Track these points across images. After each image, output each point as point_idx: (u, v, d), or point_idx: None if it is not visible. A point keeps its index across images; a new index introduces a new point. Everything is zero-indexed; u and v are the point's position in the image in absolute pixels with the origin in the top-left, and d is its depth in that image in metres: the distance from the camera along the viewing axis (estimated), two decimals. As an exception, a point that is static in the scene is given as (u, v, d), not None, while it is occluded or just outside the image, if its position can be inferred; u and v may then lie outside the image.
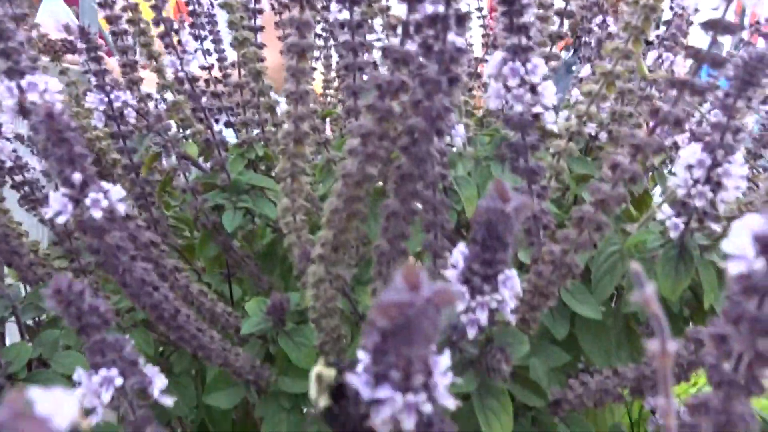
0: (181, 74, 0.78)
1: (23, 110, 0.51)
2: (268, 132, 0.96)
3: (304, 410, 0.75)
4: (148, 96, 0.94)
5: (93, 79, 0.77)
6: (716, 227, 0.60)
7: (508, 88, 0.51)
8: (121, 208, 0.49)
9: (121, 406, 0.41)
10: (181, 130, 0.95)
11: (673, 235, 0.60)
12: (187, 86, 0.79)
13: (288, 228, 0.70)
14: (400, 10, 0.44)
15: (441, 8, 0.40)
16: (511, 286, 0.45)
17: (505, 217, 0.37)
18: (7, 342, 0.86)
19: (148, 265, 0.54)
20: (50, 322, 0.81)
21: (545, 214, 0.57)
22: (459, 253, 0.46)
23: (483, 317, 0.46)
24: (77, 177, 0.46)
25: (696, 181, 0.55)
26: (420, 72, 0.44)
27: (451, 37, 0.41)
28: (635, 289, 0.25)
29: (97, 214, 0.47)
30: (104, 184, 0.49)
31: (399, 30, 0.44)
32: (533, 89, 0.51)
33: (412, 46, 0.45)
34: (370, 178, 0.50)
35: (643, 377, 0.53)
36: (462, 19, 0.41)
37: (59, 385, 0.60)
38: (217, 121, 0.82)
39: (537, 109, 0.52)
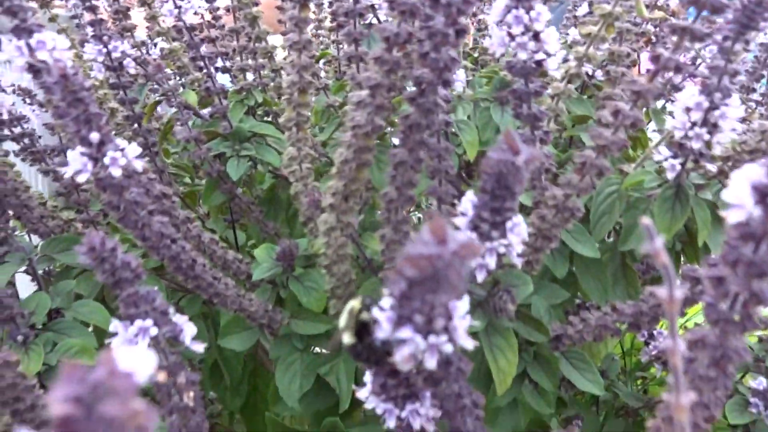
0: (179, 23, 0.77)
1: (33, 69, 0.51)
2: (266, 77, 0.96)
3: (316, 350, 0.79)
4: (142, 43, 0.94)
5: (90, 30, 0.77)
6: (711, 167, 0.63)
7: (511, 36, 0.52)
8: (138, 165, 0.50)
9: (156, 354, 0.44)
10: (178, 78, 0.95)
11: (669, 176, 0.62)
12: (186, 35, 0.79)
13: (294, 176, 0.72)
14: (407, -38, 0.44)
15: (449, -39, 0.41)
16: (518, 232, 0.47)
17: (515, 169, 0.38)
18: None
19: (164, 218, 0.56)
20: (61, 272, 0.83)
21: (547, 157, 0.59)
22: (468, 201, 0.48)
23: (492, 262, 0.49)
24: (95, 136, 0.47)
25: (693, 124, 0.57)
26: (427, 24, 0.44)
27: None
28: (645, 240, 0.27)
29: (117, 172, 0.48)
30: (120, 142, 0.50)
31: (406, -18, 0.45)
32: (536, 36, 0.52)
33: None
34: (379, 129, 0.51)
35: (640, 313, 0.56)
36: (470, -28, 0.41)
37: (79, 333, 0.62)
38: (217, 69, 0.82)
39: (540, 56, 0.53)
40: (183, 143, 0.93)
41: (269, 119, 0.99)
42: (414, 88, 0.49)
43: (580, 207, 0.55)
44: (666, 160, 0.62)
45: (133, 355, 0.20)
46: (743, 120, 0.66)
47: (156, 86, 0.88)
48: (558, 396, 0.81)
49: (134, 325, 0.42)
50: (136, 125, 0.82)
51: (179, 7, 0.76)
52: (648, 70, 0.64)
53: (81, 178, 0.48)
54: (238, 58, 0.91)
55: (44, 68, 0.50)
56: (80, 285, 0.83)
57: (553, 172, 0.61)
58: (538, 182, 0.61)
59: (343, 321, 0.43)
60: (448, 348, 0.37)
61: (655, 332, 0.93)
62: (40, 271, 0.78)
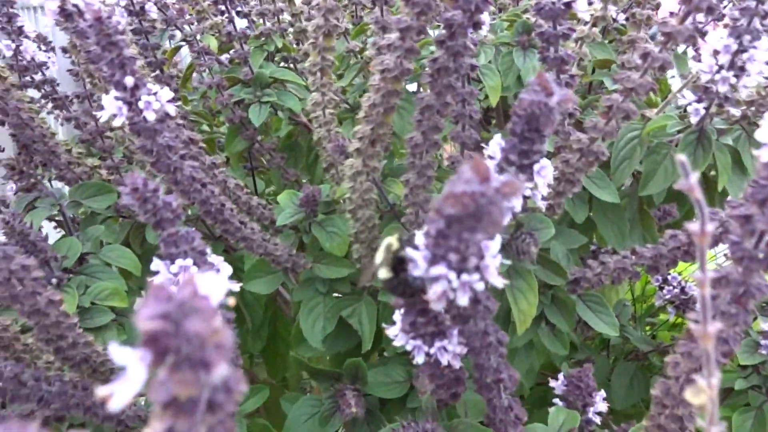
0: (200, -32, 0.77)
1: (65, 13, 0.52)
2: (284, 22, 0.95)
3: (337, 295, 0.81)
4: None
5: (110, -26, 0.76)
6: (735, 111, 0.63)
7: (541, -22, 0.52)
8: (171, 109, 0.51)
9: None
10: (198, 23, 0.94)
11: (693, 120, 0.63)
12: (207, -20, 0.78)
13: (318, 122, 0.72)
14: None
15: None
16: (545, 174, 0.48)
17: (548, 110, 0.39)
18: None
19: (195, 163, 0.57)
20: (87, 219, 0.85)
21: (572, 102, 0.59)
22: (496, 144, 0.49)
23: (518, 204, 0.50)
24: (129, 80, 0.48)
25: (720, 67, 0.57)
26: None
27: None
28: (680, 177, 0.28)
29: (151, 116, 0.49)
30: (152, 86, 0.51)
31: None
32: (566, -22, 0.52)
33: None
34: (408, 72, 0.52)
35: (660, 256, 0.58)
36: None
37: (108, 276, 0.64)
38: (238, 13, 0.81)
39: (569, -2, 0.53)
40: (202, 90, 0.94)
41: (288, 65, 0.99)
42: (443, 31, 0.49)
43: (604, 151, 0.56)
44: (690, 104, 0.62)
45: (209, 280, 0.21)
46: None
47: (175, 32, 0.88)
48: (569, 341, 0.83)
49: (175, 263, 0.43)
50: (158, 71, 0.82)
51: (200, -50, 0.75)
52: (672, 13, 0.64)
53: (116, 122, 0.49)
54: (257, 2, 0.91)
55: (76, 12, 0.50)
56: (107, 231, 0.85)
57: (575, 117, 0.62)
58: (561, 127, 0.61)
59: (380, 256, 0.44)
60: (480, 286, 0.38)
61: (669, 277, 0.94)
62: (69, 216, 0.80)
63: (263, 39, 0.91)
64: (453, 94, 0.54)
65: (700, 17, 0.51)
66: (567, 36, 0.55)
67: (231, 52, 0.84)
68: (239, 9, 0.95)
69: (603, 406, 0.65)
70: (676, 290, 0.91)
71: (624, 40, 0.76)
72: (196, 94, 1.06)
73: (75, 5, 0.50)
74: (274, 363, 1.11)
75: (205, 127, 1.07)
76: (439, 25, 0.51)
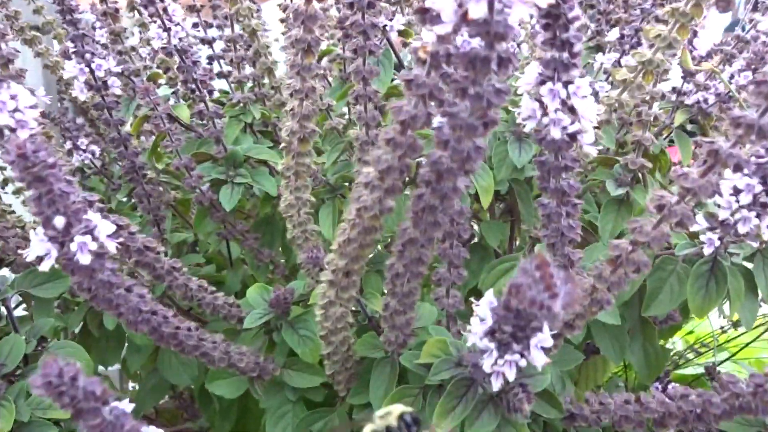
0: (169, 46, 0.70)
1: (-7, 132, 0.45)
2: (265, 87, 0.89)
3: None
4: (132, 49, 0.86)
5: (71, 45, 0.69)
6: (754, 244, 0.56)
7: (544, 109, 0.45)
8: (111, 247, 0.44)
9: None
10: (170, 88, 0.87)
11: (707, 251, 0.56)
12: (177, 59, 0.71)
13: (292, 222, 0.65)
14: (428, 38, 0.37)
15: (481, 49, 0.34)
16: (543, 347, 0.42)
17: (549, 314, 0.32)
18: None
19: (142, 291, 0.50)
20: (39, 306, 0.78)
21: (572, 230, 0.53)
22: (486, 306, 0.42)
23: (511, 375, 0.43)
24: (60, 221, 0.41)
25: (742, 206, 0.50)
26: (450, 111, 0.38)
27: (491, 81, 0.35)
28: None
29: (86, 259, 0.42)
30: (91, 217, 0.44)
31: (426, 61, 0.38)
32: (572, 110, 0.45)
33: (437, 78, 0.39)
34: (388, 211, 0.45)
35: (668, 414, 0.51)
36: (505, 63, 0.34)
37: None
38: (210, 92, 0.74)
39: (575, 128, 0.47)
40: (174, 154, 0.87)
41: (268, 129, 0.92)
42: (429, 171, 0.42)
43: (610, 300, 0.49)
44: (704, 233, 0.56)
45: None
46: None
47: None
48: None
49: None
50: (122, 148, 0.75)
51: (168, 30, 0.69)
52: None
53: (44, 266, 0.42)
54: (236, 71, 0.84)
55: (6, 136, 0.43)
56: (59, 319, 0.78)
57: (577, 242, 0.55)
58: (561, 253, 0.55)
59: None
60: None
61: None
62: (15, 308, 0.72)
63: (240, 107, 0.85)
64: (440, 229, 0.47)
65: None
66: (570, 168, 0.48)
67: (203, 129, 0.78)
68: (219, 71, 0.88)
69: None
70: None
71: (630, 140, 0.70)
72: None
73: (6, 125, 0.43)
74: (244, 441, 1.04)
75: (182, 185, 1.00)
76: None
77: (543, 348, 0.42)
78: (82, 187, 1.03)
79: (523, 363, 0.42)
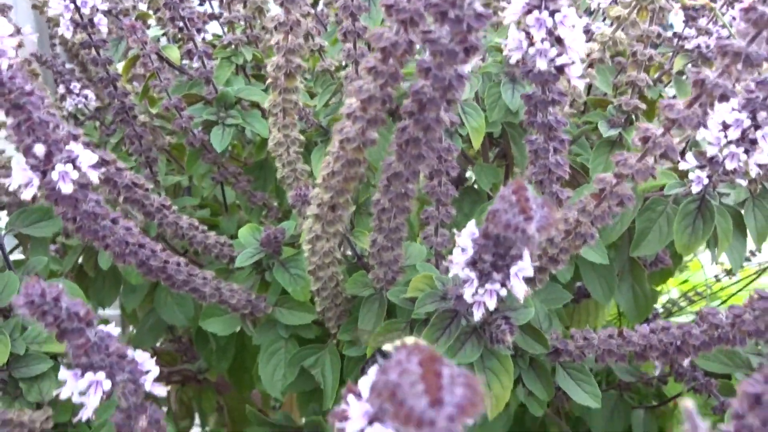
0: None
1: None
2: (256, 28, 0.87)
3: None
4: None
5: (55, -21, 0.68)
6: (742, 182, 0.56)
7: (531, 40, 0.45)
8: (94, 177, 0.44)
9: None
10: (160, 29, 0.86)
11: (695, 189, 0.56)
12: (163, -5, 0.70)
13: (281, 161, 0.65)
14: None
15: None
16: (523, 276, 0.42)
17: (525, 237, 0.33)
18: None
19: (129, 223, 0.50)
20: (34, 245, 0.78)
21: (560, 166, 0.52)
22: (468, 237, 0.43)
23: (491, 304, 0.44)
24: (40, 150, 0.41)
25: (730, 142, 0.50)
26: (430, 37, 0.37)
27: (472, 4, 0.35)
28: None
29: (67, 188, 0.42)
30: (73, 147, 0.44)
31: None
32: (559, 41, 0.44)
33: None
34: (371, 143, 0.45)
35: (649, 347, 0.52)
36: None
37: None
38: (199, 30, 0.73)
39: (562, 60, 0.46)
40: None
41: (262, 74, 0.91)
42: (411, 102, 0.42)
43: (594, 234, 0.49)
44: (692, 170, 0.56)
45: None
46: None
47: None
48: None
49: (84, 378, 0.37)
50: (111, 88, 0.75)
51: (154, -37, 0.67)
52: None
53: (27, 194, 0.42)
54: (226, 12, 0.82)
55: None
56: (54, 259, 0.79)
57: (565, 179, 0.55)
58: (549, 190, 0.55)
59: None
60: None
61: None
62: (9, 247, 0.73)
63: (232, 49, 0.83)
64: (424, 162, 0.47)
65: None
66: (557, 102, 0.48)
67: (193, 69, 0.77)
68: (211, 12, 0.87)
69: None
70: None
71: (624, 81, 0.69)
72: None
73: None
74: (242, 379, 1.06)
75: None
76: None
77: (524, 278, 0.42)
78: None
79: (503, 292, 0.43)
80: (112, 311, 1.02)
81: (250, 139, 0.95)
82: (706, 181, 0.55)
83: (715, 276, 1.38)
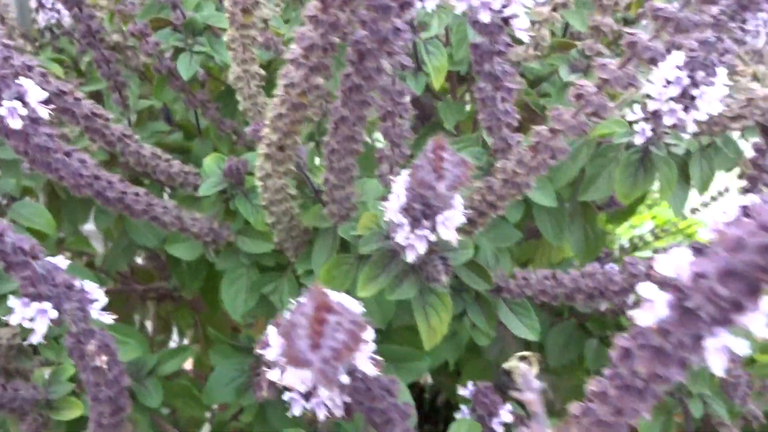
0: None
1: None
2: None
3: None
4: None
5: None
6: (686, 135, 0.58)
7: (475, -10, 0.45)
8: (44, 113, 0.45)
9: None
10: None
11: (638, 140, 0.58)
12: None
13: (242, 95, 0.66)
14: None
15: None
16: (450, 225, 0.44)
17: (435, 194, 0.35)
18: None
19: (83, 155, 0.52)
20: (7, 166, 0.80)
21: (508, 114, 0.54)
22: (402, 185, 0.45)
23: (421, 247, 0.46)
24: (-14, 85, 0.42)
25: (671, 98, 0.51)
26: (367, -11, 0.38)
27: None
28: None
29: (16, 123, 0.43)
30: (23, 82, 0.45)
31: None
32: (504, -8, 0.45)
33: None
34: (315, 88, 0.46)
35: (577, 289, 0.55)
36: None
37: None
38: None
39: (508, 12, 0.46)
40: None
41: None
42: (352, 52, 0.43)
43: (529, 183, 0.51)
44: (637, 122, 0.57)
45: None
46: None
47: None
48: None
49: (31, 307, 0.40)
50: (76, 10, 0.74)
51: None
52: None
53: (-21, 128, 0.44)
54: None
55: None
56: (27, 178, 0.80)
57: (515, 126, 0.56)
58: (498, 136, 0.56)
59: None
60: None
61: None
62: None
63: (202, -29, 0.82)
64: (380, 91, 0.48)
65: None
66: (503, 53, 0.48)
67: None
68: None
69: (507, 417, 0.65)
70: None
71: (590, 25, 0.69)
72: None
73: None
74: (214, 299, 1.10)
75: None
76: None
77: (458, 223, 0.44)
78: (51, 48, 1.01)
79: (432, 238, 0.45)
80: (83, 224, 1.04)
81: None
82: (649, 133, 0.57)
83: (692, 209, 1.42)
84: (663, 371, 0.31)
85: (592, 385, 0.36)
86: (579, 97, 0.44)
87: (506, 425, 0.65)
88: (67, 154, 0.50)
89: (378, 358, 0.38)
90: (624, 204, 0.61)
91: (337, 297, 0.37)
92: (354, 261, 0.61)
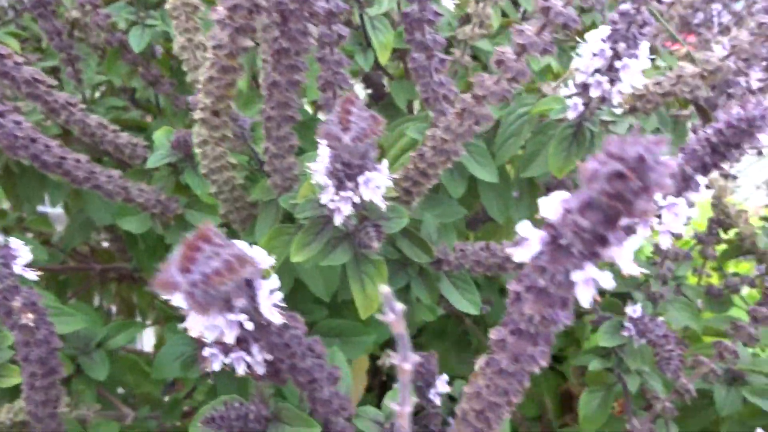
0: None
1: None
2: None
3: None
4: None
5: None
6: (617, 110, 0.59)
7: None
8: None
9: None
10: None
11: (570, 115, 0.59)
12: None
13: (188, 66, 0.67)
14: None
15: None
16: (373, 186, 0.45)
17: (343, 147, 0.36)
18: None
19: (19, 118, 0.52)
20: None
21: (443, 86, 0.55)
22: (325, 146, 0.45)
23: (346, 209, 0.47)
24: None
25: (596, 70, 0.53)
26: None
27: None
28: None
29: (-59, 78, 0.44)
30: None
31: None
32: (430, -41, 0.46)
33: None
34: (242, 50, 0.47)
35: (507, 259, 0.56)
36: None
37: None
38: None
39: (435, -20, 0.47)
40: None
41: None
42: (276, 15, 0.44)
43: (458, 151, 0.52)
44: (570, 97, 0.59)
45: None
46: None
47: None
48: (474, 279, 0.82)
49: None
50: (25, -20, 0.74)
51: None
52: None
53: None
54: None
55: None
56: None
57: (452, 99, 0.57)
58: (435, 105, 0.57)
59: None
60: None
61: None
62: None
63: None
64: (320, 61, 0.49)
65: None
66: (432, 22, 0.50)
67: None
68: None
69: (444, 388, 0.66)
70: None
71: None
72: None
73: None
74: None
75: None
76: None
77: (374, 186, 0.45)
78: (15, 25, 1.01)
79: (357, 199, 0.46)
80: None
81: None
82: (581, 108, 0.58)
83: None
84: (549, 313, 0.32)
85: (492, 334, 0.38)
86: (500, 63, 0.45)
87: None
88: (1, 114, 0.50)
89: (283, 305, 0.39)
90: (559, 176, 0.62)
91: (243, 246, 0.38)
92: (294, 231, 0.62)
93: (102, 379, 0.77)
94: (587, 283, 0.28)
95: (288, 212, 0.67)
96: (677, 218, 0.43)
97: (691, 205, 0.43)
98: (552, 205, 0.29)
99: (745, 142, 0.39)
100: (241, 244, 0.38)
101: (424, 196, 0.70)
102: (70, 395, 0.79)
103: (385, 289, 0.24)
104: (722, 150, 0.40)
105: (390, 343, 0.92)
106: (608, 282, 0.28)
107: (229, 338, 0.36)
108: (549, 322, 0.33)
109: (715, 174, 1.06)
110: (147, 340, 1.42)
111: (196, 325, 0.35)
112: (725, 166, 0.39)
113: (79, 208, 1.00)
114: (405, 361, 0.25)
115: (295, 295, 0.78)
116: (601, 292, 0.94)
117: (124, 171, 0.88)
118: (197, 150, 0.58)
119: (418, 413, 0.70)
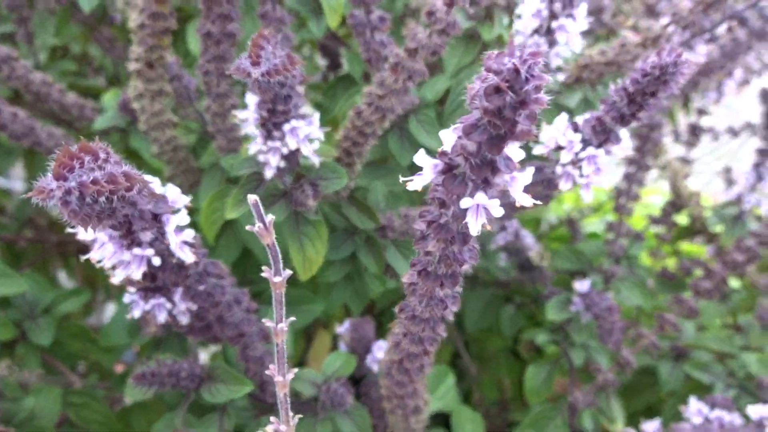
0: None
1: None
2: None
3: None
4: None
5: None
6: (560, 77, 0.59)
7: None
8: None
9: None
10: None
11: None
12: None
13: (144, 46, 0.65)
14: None
15: None
16: (299, 135, 0.45)
17: (253, 81, 0.35)
18: None
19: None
20: None
21: (384, 45, 0.55)
22: (252, 98, 0.45)
23: (273, 161, 0.47)
24: None
25: (535, 31, 0.53)
26: None
27: None
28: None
29: None
30: None
31: None
32: None
33: None
34: (172, -3, 0.46)
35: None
36: None
37: None
38: None
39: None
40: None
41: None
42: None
43: (393, 108, 0.52)
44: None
45: None
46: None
47: None
48: None
49: None
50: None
51: None
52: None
53: None
54: None
55: None
56: None
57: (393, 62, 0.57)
58: (377, 66, 0.57)
59: None
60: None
61: (507, 224, 0.94)
62: None
63: None
64: (262, 18, 0.49)
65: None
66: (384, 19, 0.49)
67: None
68: None
69: (380, 354, 0.66)
70: (511, 237, 0.92)
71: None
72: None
73: None
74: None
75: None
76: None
77: (302, 134, 0.45)
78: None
79: (285, 150, 0.46)
80: None
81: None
82: (524, 73, 0.58)
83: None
84: (450, 250, 0.32)
85: (404, 278, 0.37)
86: (430, 14, 0.45)
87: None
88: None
89: (196, 244, 0.38)
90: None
91: (154, 182, 0.37)
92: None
93: (46, 344, 0.76)
94: (477, 211, 0.28)
95: (233, 176, 0.67)
96: (599, 171, 0.43)
97: (609, 153, 0.43)
98: (448, 134, 0.29)
99: (660, 91, 0.39)
100: (162, 186, 0.37)
101: (374, 165, 0.70)
102: (13, 359, 0.78)
103: (252, 198, 0.24)
104: (639, 100, 0.40)
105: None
106: (497, 210, 0.28)
107: (137, 274, 0.36)
108: (452, 260, 0.32)
109: (672, 156, 1.07)
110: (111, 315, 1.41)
111: (101, 256, 0.34)
112: (642, 116, 0.39)
113: (33, 177, 0.98)
114: (277, 275, 0.24)
115: (245, 263, 0.78)
116: (555, 269, 0.94)
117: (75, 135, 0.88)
118: (135, 105, 0.58)
119: (359, 381, 0.70)
